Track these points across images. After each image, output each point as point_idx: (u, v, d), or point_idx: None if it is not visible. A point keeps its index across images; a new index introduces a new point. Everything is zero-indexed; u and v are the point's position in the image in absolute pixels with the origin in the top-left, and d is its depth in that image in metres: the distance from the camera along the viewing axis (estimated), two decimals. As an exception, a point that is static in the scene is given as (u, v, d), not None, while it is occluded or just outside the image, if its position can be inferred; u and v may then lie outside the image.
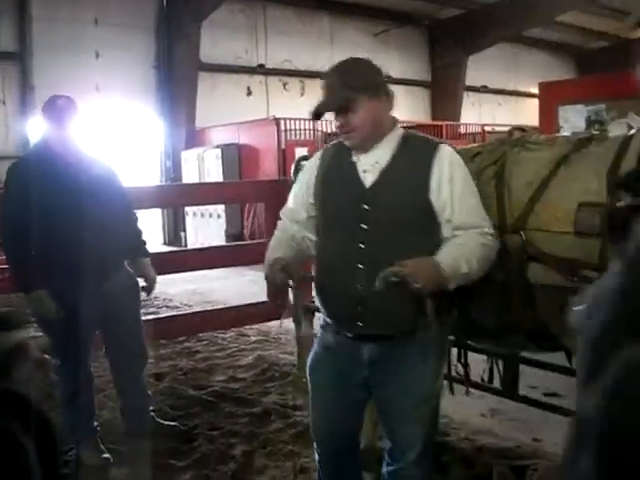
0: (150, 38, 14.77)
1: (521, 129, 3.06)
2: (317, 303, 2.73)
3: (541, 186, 2.63)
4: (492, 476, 3.59)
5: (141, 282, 4.07)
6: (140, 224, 4.18)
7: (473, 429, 4.36)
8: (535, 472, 3.64)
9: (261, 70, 15.82)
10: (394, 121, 2.57)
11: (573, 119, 7.56)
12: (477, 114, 20.26)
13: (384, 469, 2.80)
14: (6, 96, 13.04)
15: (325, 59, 17.23)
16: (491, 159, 2.89)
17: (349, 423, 2.76)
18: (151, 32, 14.75)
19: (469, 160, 2.97)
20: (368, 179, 2.47)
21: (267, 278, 2.50)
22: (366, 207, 2.44)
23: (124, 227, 3.89)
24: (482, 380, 3.73)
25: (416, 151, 2.49)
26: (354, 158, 2.51)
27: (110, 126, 13.53)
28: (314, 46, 17.13)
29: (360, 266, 2.41)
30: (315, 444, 2.83)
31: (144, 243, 4.16)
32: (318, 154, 2.72)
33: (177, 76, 14.65)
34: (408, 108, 18.96)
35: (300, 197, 2.70)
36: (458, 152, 2.60)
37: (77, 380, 3.86)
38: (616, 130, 2.93)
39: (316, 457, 2.86)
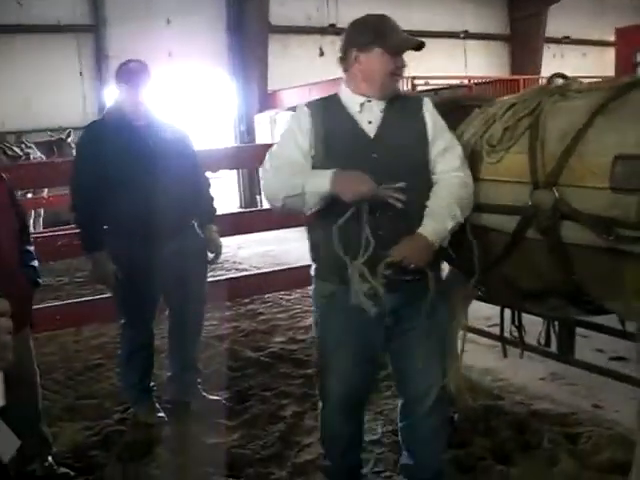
0: (220, 1, 14.75)
1: (563, 76, 2.86)
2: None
3: (576, 138, 2.46)
4: (543, 443, 3.48)
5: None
6: (212, 190, 4.19)
7: (530, 393, 4.24)
8: (589, 440, 3.50)
9: (332, 30, 15.52)
10: None
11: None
12: (559, 67, 19.41)
13: (400, 424, 2.88)
14: (83, 67, 13.35)
15: (400, 15, 16.78)
16: (527, 109, 2.73)
17: (366, 378, 2.80)
18: (222, -5, 14.73)
19: (504, 111, 2.83)
20: (372, 130, 2.55)
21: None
22: (375, 156, 2.51)
23: (194, 191, 3.91)
24: (539, 343, 3.61)
25: (405, 103, 2.64)
26: (352, 112, 2.58)
27: (184, 91, 13.67)
28: (386, 3, 16.70)
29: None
30: (324, 393, 2.84)
31: (214, 210, 4.19)
32: (304, 112, 2.62)
33: (248, 38, 14.60)
34: (486, 63, 18.37)
35: (297, 151, 2.59)
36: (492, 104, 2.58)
37: (138, 341, 3.96)
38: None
39: (320, 405, 2.90)
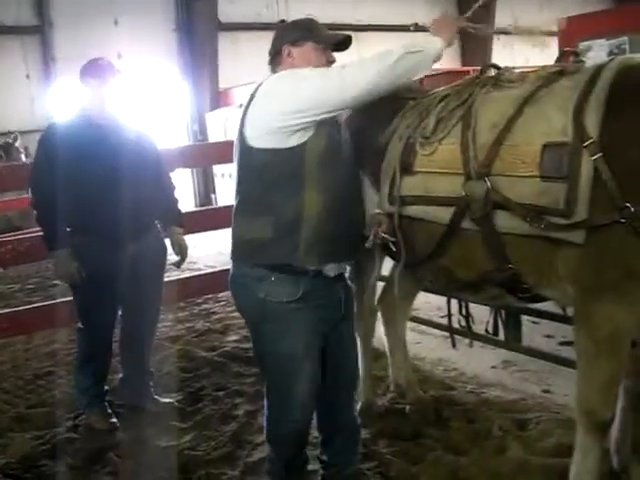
0: (169, 1, 14.60)
1: (495, 66, 2.88)
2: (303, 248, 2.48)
3: (505, 128, 2.48)
4: (492, 431, 3.51)
5: (170, 251, 4.07)
6: (176, 192, 4.15)
7: (481, 382, 4.28)
8: (538, 425, 3.55)
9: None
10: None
11: (595, 54, 7.21)
12: (509, 57, 19.60)
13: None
14: (30, 69, 13.11)
15: (348, 12, 16.90)
16: (459, 100, 2.74)
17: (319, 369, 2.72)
18: (169, -6, 14.58)
19: (437, 103, 2.84)
20: None
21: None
22: None
23: (157, 193, 3.89)
24: (487, 332, 3.65)
25: None
26: None
27: (135, 92, 13.47)
28: (337, -1, 16.72)
29: None
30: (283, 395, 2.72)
31: (179, 212, 4.14)
32: None
33: (197, 37, 14.49)
34: (437, 55, 18.48)
35: None
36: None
37: (96, 345, 3.91)
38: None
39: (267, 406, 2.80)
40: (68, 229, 3.68)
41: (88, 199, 3.57)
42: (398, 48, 2.43)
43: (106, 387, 4.06)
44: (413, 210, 2.81)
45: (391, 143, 2.96)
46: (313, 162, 2.40)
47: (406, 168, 2.83)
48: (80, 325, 3.93)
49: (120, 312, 4.00)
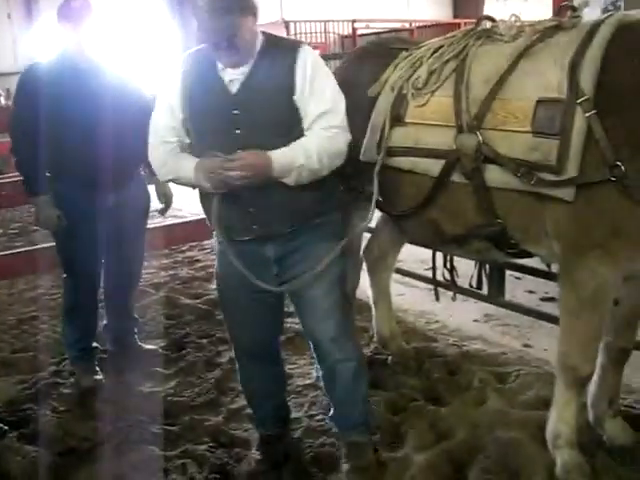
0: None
1: (491, 19, 2.84)
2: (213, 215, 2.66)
3: (499, 82, 2.47)
4: (473, 383, 3.57)
5: (155, 199, 4.01)
6: None
7: (463, 335, 4.34)
8: (517, 378, 3.61)
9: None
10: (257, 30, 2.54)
11: (589, 9, 7.14)
12: (501, 10, 19.39)
13: (317, 374, 3.02)
14: (11, 9, 12.78)
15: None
16: (453, 53, 2.71)
17: (266, 327, 2.91)
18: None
19: (430, 54, 2.80)
20: (234, 87, 2.51)
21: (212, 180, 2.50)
22: (236, 112, 2.49)
23: (142, 139, 3.77)
24: (470, 286, 3.68)
25: (278, 54, 2.52)
26: (220, 72, 2.52)
27: (122, 29, 13.23)
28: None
29: None
30: (234, 348, 3.05)
31: None
32: (178, 68, 2.63)
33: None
34: (428, 6, 18.27)
35: (168, 114, 2.67)
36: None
37: (80, 295, 3.86)
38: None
39: (237, 360, 3.08)
40: (48, 174, 3.62)
41: (68, 144, 3.50)
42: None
43: (95, 344, 4.02)
44: (402, 161, 2.80)
45: (382, 93, 2.93)
46: None
47: (397, 119, 2.81)
48: (64, 275, 3.88)
49: (103, 260, 3.96)
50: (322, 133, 2.50)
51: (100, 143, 3.45)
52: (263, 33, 2.58)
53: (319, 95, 2.50)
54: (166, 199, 4.02)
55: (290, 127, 2.51)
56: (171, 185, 4.06)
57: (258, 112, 2.48)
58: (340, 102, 2.56)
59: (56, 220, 3.61)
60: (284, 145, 2.47)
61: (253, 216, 2.59)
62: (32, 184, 3.61)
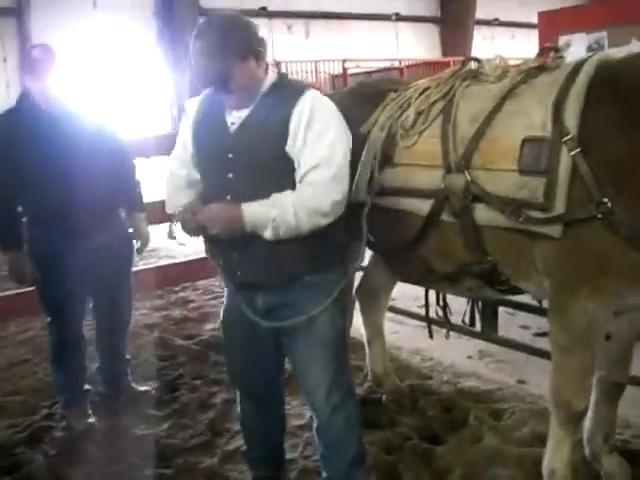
0: (148, -17, 14.50)
1: (476, 59, 2.90)
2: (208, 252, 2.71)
3: (486, 121, 2.51)
4: (468, 420, 3.55)
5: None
6: (137, 176, 4.04)
7: (457, 372, 4.33)
8: (513, 415, 3.60)
9: (264, 13, 15.46)
10: (266, 71, 2.48)
11: (574, 49, 7.28)
12: (490, 49, 19.72)
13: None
14: (6, 53, 12.93)
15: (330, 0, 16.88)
16: (440, 93, 2.76)
17: (265, 367, 2.85)
18: (149, -23, 14.47)
19: (418, 95, 2.86)
20: (233, 129, 2.47)
21: (189, 229, 2.49)
22: (230, 156, 2.45)
23: (117, 180, 3.77)
24: (464, 322, 3.69)
25: (280, 99, 2.43)
26: (226, 112, 2.49)
27: (113, 75, 13.40)
28: (319, -14, 16.70)
29: None
30: (237, 389, 3.02)
31: (140, 197, 4.03)
32: (193, 105, 2.63)
33: (177, 22, 14.39)
34: (417, 45, 18.54)
35: (182, 147, 2.66)
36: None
37: (65, 340, 3.81)
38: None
39: (237, 399, 3.03)
40: (24, 219, 3.61)
41: (42, 192, 3.47)
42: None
43: (86, 386, 3.99)
44: (392, 201, 2.83)
45: (371, 134, 2.97)
46: None
47: (386, 159, 2.85)
48: (48, 319, 3.83)
49: (92, 304, 3.95)
50: (304, 189, 2.38)
51: (74, 188, 3.42)
52: (278, 73, 2.54)
53: (312, 147, 2.36)
54: (142, 239, 4.00)
55: (283, 177, 2.42)
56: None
57: (250, 158, 2.42)
58: (336, 155, 2.39)
59: (29, 276, 3.59)
60: (274, 192, 2.39)
61: (238, 263, 2.55)
62: (5, 238, 3.60)
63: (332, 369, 2.65)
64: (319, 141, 2.37)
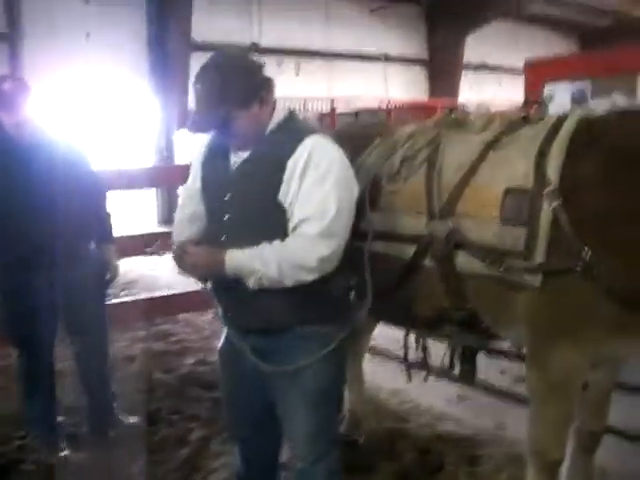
0: (141, 16, 14.58)
1: (462, 108, 2.96)
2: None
3: (470, 170, 2.56)
4: (445, 465, 3.55)
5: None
6: (108, 208, 4.04)
7: (435, 415, 4.31)
8: (490, 460, 3.60)
9: (255, 49, 15.62)
10: (273, 110, 2.40)
11: (559, 96, 7.43)
12: (477, 93, 20.01)
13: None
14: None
15: (321, 37, 17.13)
16: (425, 141, 2.81)
17: (257, 409, 2.69)
18: (142, 10, 14.55)
19: (404, 142, 2.90)
20: (233, 170, 2.41)
21: (181, 267, 2.45)
22: (227, 198, 2.41)
23: (88, 213, 3.76)
24: (442, 365, 3.68)
25: (282, 143, 2.33)
26: (231, 151, 2.43)
27: (103, 108, 13.46)
28: (309, 23, 16.93)
29: None
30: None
31: (110, 229, 4.02)
32: (200, 147, 2.61)
33: (170, 55, 14.49)
34: (405, 86, 18.80)
35: (192, 179, 2.63)
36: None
37: (34, 374, 3.77)
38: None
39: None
40: None
41: (10, 226, 3.45)
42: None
43: (60, 418, 3.94)
44: (376, 245, 2.84)
45: (357, 178, 2.99)
46: None
47: (371, 204, 2.88)
48: (17, 353, 3.79)
49: (68, 338, 3.90)
50: (292, 241, 2.30)
51: (44, 220, 3.41)
52: (288, 111, 2.45)
53: (305, 198, 2.27)
54: (111, 271, 3.97)
55: (276, 226, 2.33)
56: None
57: (245, 203, 2.37)
58: (329, 208, 2.25)
59: None
60: (267, 237, 2.32)
61: (227, 303, 2.53)
62: None
63: (316, 419, 2.53)
64: (312, 192, 2.26)
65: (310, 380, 2.45)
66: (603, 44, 20.18)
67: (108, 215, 4.03)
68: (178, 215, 2.68)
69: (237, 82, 2.26)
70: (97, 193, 3.96)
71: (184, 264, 2.42)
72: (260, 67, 2.37)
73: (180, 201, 2.72)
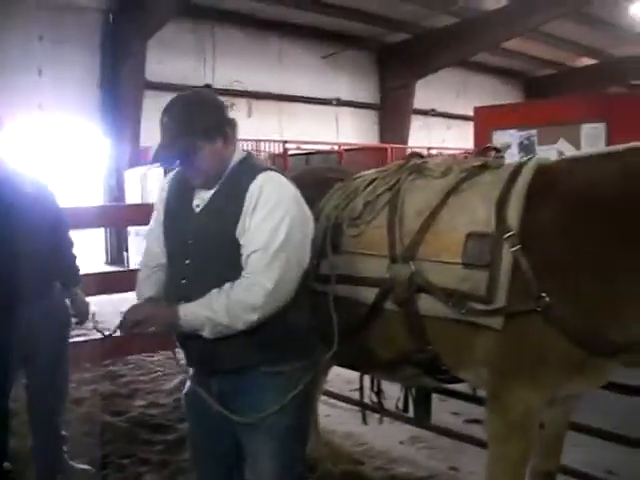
0: (95, 55, 14.54)
1: (420, 155, 3.04)
2: None
3: (431, 215, 2.62)
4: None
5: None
6: (74, 249, 3.95)
7: (390, 457, 4.31)
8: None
9: (208, 90, 15.75)
10: (233, 151, 2.42)
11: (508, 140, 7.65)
12: (426, 137, 20.45)
13: None
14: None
15: (274, 80, 17.32)
16: (386, 185, 2.86)
17: (226, 454, 2.63)
18: (96, 49, 14.53)
19: (365, 186, 2.95)
20: (195, 213, 2.40)
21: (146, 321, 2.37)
22: (190, 242, 2.39)
23: (55, 251, 3.67)
24: (397, 408, 3.70)
25: (239, 182, 2.33)
26: (194, 192, 2.43)
27: (54, 144, 13.32)
28: (262, 67, 17.13)
29: (182, 301, 2.35)
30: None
31: (77, 269, 3.95)
32: (165, 183, 2.60)
33: (122, 94, 14.44)
34: (356, 130, 19.10)
35: (156, 221, 2.59)
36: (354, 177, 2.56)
37: None
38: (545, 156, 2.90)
39: None
40: None
41: None
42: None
43: (7, 464, 3.77)
44: (338, 289, 2.85)
45: (318, 222, 3.02)
46: None
47: (332, 247, 2.90)
48: None
49: (25, 378, 3.77)
50: (236, 283, 2.27)
51: (10, 258, 3.34)
52: (247, 153, 2.48)
53: (253, 232, 2.26)
54: (80, 312, 3.88)
55: (235, 265, 2.30)
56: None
57: (206, 245, 2.35)
58: (275, 241, 2.25)
59: None
60: (228, 280, 2.28)
61: (190, 346, 2.47)
62: None
63: (282, 459, 2.49)
64: (260, 226, 2.25)
65: (277, 419, 2.42)
66: (547, 92, 21.01)
67: (74, 256, 3.95)
68: (142, 272, 2.60)
69: (203, 115, 2.29)
70: (64, 231, 3.88)
71: (128, 325, 2.34)
72: (226, 107, 2.42)
73: (145, 247, 2.64)
